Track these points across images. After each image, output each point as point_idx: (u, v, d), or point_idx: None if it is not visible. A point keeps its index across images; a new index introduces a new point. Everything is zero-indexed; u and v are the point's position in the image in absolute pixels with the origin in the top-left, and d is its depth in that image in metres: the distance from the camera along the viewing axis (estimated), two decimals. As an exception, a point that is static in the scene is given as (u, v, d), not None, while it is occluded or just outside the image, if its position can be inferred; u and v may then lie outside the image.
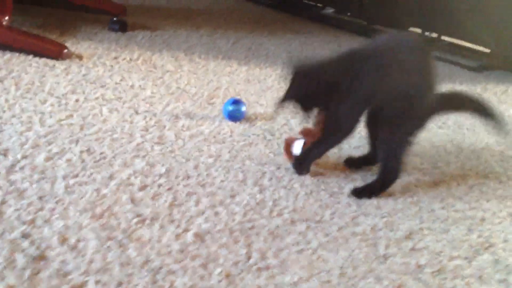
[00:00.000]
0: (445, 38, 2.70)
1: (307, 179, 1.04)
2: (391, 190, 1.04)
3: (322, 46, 2.29)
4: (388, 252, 0.84)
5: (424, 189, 1.07)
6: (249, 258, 0.78)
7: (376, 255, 0.83)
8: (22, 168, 0.91)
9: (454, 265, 0.84)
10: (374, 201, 0.99)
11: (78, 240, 0.75)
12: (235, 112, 1.26)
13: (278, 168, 1.07)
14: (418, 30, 2.70)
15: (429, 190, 1.07)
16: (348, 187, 1.03)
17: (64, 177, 0.90)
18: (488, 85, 2.03)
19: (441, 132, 1.43)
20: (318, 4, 3.17)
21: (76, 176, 0.91)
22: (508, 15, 2.19)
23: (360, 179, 1.07)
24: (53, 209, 0.81)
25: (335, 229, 0.88)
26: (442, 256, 0.85)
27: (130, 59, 1.61)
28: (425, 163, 1.20)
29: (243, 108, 1.27)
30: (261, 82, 1.64)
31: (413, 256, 0.84)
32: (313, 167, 1.09)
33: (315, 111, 1.00)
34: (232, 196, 0.93)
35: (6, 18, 1.53)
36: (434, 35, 2.71)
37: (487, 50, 2.49)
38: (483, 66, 2.27)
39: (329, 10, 3.16)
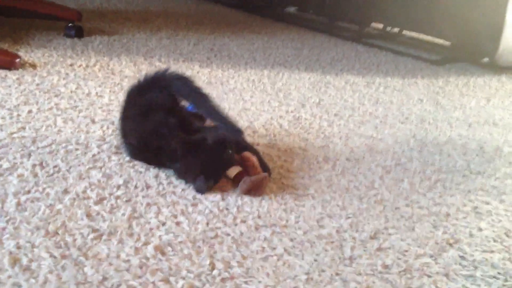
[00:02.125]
0: (406, 32, 2.74)
1: (271, 182, 1.02)
2: (356, 190, 1.03)
3: (285, 45, 2.28)
4: (354, 254, 0.83)
5: (388, 187, 1.07)
6: (212, 268, 0.76)
7: (342, 257, 0.82)
8: (-31, 186, 0.86)
9: (420, 263, 0.83)
10: (339, 202, 0.98)
11: (31, 260, 0.71)
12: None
13: (241, 172, 1.04)
14: (380, 25, 2.73)
15: (393, 187, 1.07)
16: (313, 188, 1.02)
17: (15, 194, 0.86)
18: (450, 77, 2.05)
19: (403, 127, 1.44)
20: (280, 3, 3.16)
21: (28, 192, 0.87)
22: (468, 8, 2.23)
23: (325, 180, 1.06)
24: (4, 229, 0.77)
25: (301, 233, 0.87)
26: (408, 255, 0.85)
27: (87, 66, 1.56)
28: (388, 160, 1.20)
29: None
30: (224, 84, 1.61)
31: (379, 256, 0.83)
32: (277, 169, 1.08)
33: None
34: (194, 205, 0.91)
35: (-47, 28, 1.47)
36: (396, 29, 2.74)
37: (448, 43, 2.53)
38: (445, 59, 2.31)
39: (291, 9, 3.16)
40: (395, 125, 1.44)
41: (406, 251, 0.86)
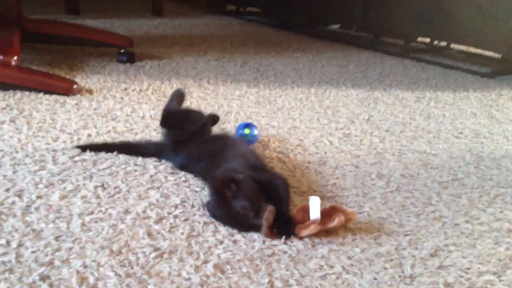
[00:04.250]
0: (454, 46, 2.69)
1: (324, 200, 1.02)
2: (413, 207, 1.02)
3: (330, 63, 2.28)
4: (414, 272, 0.81)
5: (446, 203, 1.05)
6: (271, 286, 0.76)
7: (402, 276, 0.80)
8: (37, 208, 0.90)
9: (483, 281, 0.81)
10: (396, 219, 0.97)
11: (97, 279, 0.74)
12: (248, 136, 1.25)
13: (295, 191, 1.05)
14: (427, 39, 2.69)
15: (451, 203, 1.05)
16: (368, 205, 1.01)
17: (80, 215, 0.89)
18: (503, 90, 2.00)
19: (458, 141, 1.41)
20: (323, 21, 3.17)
21: (92, 213, 0.90)
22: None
23: (380, 197, 1.05)
24: (70, 249, 0.80)
25: (358, 251, 0.86)
26: (470, 272, 0.82)
27: (140, 90, 1.61)
28: (445, 176, 1.18)
29: (256, 132, 1.26)
30: (272, 103, 1.63)
31: (441, 274, 0.81)
32: (329, 187, 1.07)
33: None
34: (250, 223, 0.91)
35: (15, 58, 1.55)
36: (443, 43, 2.70)
37: (498, 56, 2.47)
38: (495, 72, 2.25)
39: (334, 26, 3.17)
40: (449, 140, 1.41)
41: (468, 268, 0.83)
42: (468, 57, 2.58)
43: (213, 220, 0.91)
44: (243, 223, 0.89)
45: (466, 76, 2.21)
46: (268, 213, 0.86)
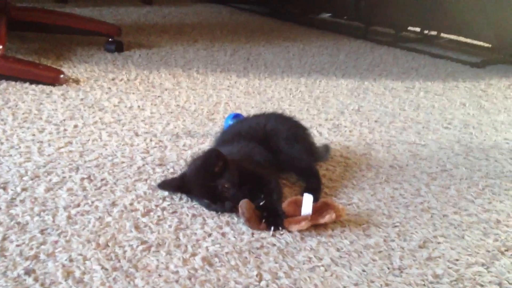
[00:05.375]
0: (445, 35, 2.69)
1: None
2: (402, 198, 1.02)
3: (321, 52, 2.27)
4: (403, 264, 0.81)
5: (435, 194, 1.05)
6: (260, 279, 0.76)
7: (391, 267, 0.80)
8: (22, 201, 0.89)
9: (472, 272, 0.81)
10: (385, 211, 0.96)
11: (84, 273, 0.73)
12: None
13: (284, 183, 1.04)
14: (417, 29, 2.68)
15: (440, 194, 1.05)
16: (357, 197, 1.01)
17: (66, 208, 0.88)
18: (492, 80, 2.00)
19: (447, 132, 1.41)
20: (315, 10, 3.16)
21: (78, 205, 0.89)
22: (508, 9, 2.17)
23: (369, 189, 1.05)
24: (56, 242, 0.79)
25: (347, 243, 0.86)
26: (459, 264, 0.83)
27: (128, 80, 1.59)
28: (433, 167, 1.18)
29: (245, 122, 1.25)
30: (261, 93, 1.62)
31: (429, 266, 0.81)
32: (320, 177, 1.07)
33: None
34: (238, 216, 0.91)
35: (0, 47, 1.52)
36: (433, 32, 2.69)
37: (488, 45, 2.47)
38: (485, 61, 2.25)
39: (325, 15, 3.15)
40: (438, 131, 1.41)
41: (457, 260, 0.84)
42: (458, 47, 2.58)
43: (201, 212, 0.91)
44: (214, 199, 0.90)
45: (456, 65, 2.21)
46: (244, 203, 0.87)
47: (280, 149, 1.06)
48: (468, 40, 2.60)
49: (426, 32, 2.69)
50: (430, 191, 1.06)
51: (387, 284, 0.76)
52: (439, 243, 0.88)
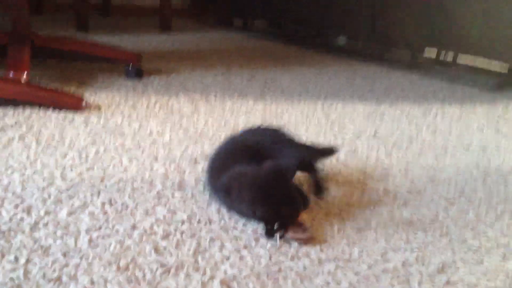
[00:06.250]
0: (460, 60, 2.69)
1: (331, 216, 1.02)
2: (420, 222, 1.02)
3: (337, 76, 2.29)
4: (421, 289, 0.81)
5: (453, 219, 1.04)
6: (278, 303, 0.76)
7: (409, 292, 0.80)
8: (45, 224, 0.91)
9: (492, 297, 0.80)
10: (403, 235, 0.96)
11: (104, 296, 0.74)
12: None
13: (301, 206, 1.05)
14: (433, 54, 2.70)
15: (458, 219, 1.04)
16: (375, 221, 1.01)
17: (87, 231, 0.90)
18: (510, 105, 2.00)
19: (465, 156, 1.41)
20: (330, 34, 3.19)
21: (99, 228, 0.91)
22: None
23: (386, 213, 1.05)
24: (78, 265, 0.81)
25: (365, 267, 0.86)
26: (479, 289, 0.82)
27: (148, 106, 1.63)
28: (451, 191, 1.17)
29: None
30: (278, 118, 1.64)
31: (448, 291, 0.81)
32: (336, 203, 1.08)
33: None
34: (256, 239, 0.92)
35: (25, 74, 1.57)
36: (450, 57, 2.70)
37: (505, 70, 2.46)
38: (502, 84, 2.25)
39: (341, 39, 3.18)
40: (456, 155, 1.41)
41: (476, 285, 0.83)
42: (474, 71, 2.58)
43: (219, 236, 0.92)
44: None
45: (473, 90, 2.21)
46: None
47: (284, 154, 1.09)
48: (485, 65, 2.60)
49: (442, 57, 2.70)
50: (448, 216, 1.06)
51: (405, 309, 0.76)
52: (458, 267, 0.87)
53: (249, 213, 0.95)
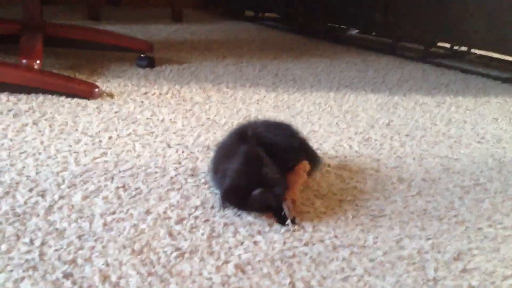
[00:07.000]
0: (475, 50, 2.66)
1: (345, 203, 1.01)
2: (435, 211, 1.01)
3: (349, 68, 2.28)
4: (437, 275, 0.80)
5: (469, 207, 1.03)
6: (293, 287, 0.76)
7: (426, 279, 0.79)
8: (60, 208, 0.91)
9: (508, 285, 0.79)
10: (418, 223, 0.96)
11: (120, 277, 0.74)
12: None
13: (315, 194, 1.05)
14: (447, 45, 2.67)
15: (473, 208, 1.03)
16: (389, 209, 1.00)
17: (102, 215, 0.90)
18: (524, 95, 1.97)
19: (479, 146, 1.39)
20: (342, 26, 3.18)
21: (113, 213, 0.91)
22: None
23: (401, 201, 1.04)
24: (93, 248, 0.81)
25: (380, 254, 0.85)
26: (495, 276, 0.81)
27: (160, 94, 1.63)
28: (466, 180, 1.16)
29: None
30: (290, 107, 1.63)
31: (465, 278, 0.80)
32: (350, 191, 1.07)
33: None
34: (270, 225, 0.91)
35: (37, 62, 1.58)
36: (464, 48, 2.67)
37: (519, 60, 2.43)
38: (517, 77, 2.22)
39: (353, 31, 3.16)
40: (471, 145, 1.39)
41: (493, 272, 0.82)
42: (488, 62, 2.55)
43: (233, 221, 0.91)
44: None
45: (487, 81, 2.19)
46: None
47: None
48: (499, 56, 2.57)
49: (456, 47, 2.67)
50: (463, 205, 1.05)
51: (421, 295, 0.76)
52: (474, 255, 0.87)
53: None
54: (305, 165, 1.06)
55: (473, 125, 1.57)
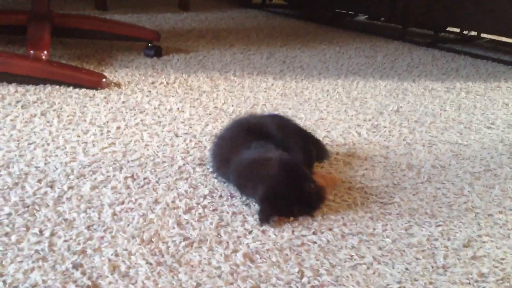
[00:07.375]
0: (485, 35, 2.63)
1: (354, 191, 1.01)
2: (444, 197, 1.00)
3: (357, 54, 2.26)
4: (447, 263, 0.80)
5: (479, 193, 1.03)
6: (302, 276, 0.76)
7: (435, 266, 0.79)
8: (69, 198, 0.92)
9: (519, 272, 0.79)
10: (427, 210, 0.95)
11: (129, 267, 0.75)
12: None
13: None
14: (456, 29, 2.64)
15: (484, 194, 1.02)
16: (399, 196, 1.00)
17: (111, 205, 0.90)
18: (535, 80, 1.95)
19: (490, 132, 1.38)
20: (350, 12, 3.15)
21: (122, 203, 0.91)
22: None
23: (410, 188, 1.03)
24: (102, 238, 0.81)
25: (389, 241, 0.85)
26: (505, 263, 0.81)
27: (167, 83, 1.62)
28: (477, 166, 1.15)
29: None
30: (298, 95, 1.62)
31: (474, 265, 0.80)
32: (359, 178, 1.06)
33: None
34: (279, 213, 0.91)
35: (45, 52, 1.58)
36: (473, 33, 2.64)
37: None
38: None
39: (362, 18, 3.13)
40: (481, 131, 1.38)
41: (503, 259, 0.82)
42: (498, 47, 2.52)
43: (241, 210, 0.91)
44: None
45: (497, 66, 2.16)
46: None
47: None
48: (510, 40, 2.53)
49: (465, 32, 2.63)
50: (473, 191, 1.04)
51: (431, 283, 0.75)
52: (484, 242, 0.86)
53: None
54: (336, 180, 1.04)
55: (483, 111, 1.56)
